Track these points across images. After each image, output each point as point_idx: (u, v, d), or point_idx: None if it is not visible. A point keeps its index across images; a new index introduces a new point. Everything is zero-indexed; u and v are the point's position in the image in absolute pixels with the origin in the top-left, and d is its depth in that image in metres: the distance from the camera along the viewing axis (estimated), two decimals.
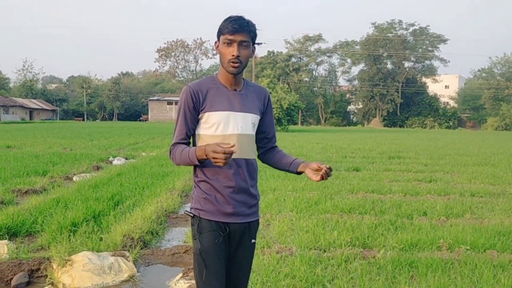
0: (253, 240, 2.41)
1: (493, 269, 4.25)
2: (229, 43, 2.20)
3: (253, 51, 2.30)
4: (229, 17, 2.23)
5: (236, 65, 2.22)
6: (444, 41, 72.76)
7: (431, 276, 4.05)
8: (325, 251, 4.80)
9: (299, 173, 2.40)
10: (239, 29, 2.18)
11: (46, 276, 4.18)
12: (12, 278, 4.10)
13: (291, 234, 5.37)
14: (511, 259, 4.54)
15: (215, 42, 2.31)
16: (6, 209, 6.20)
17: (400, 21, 73.54)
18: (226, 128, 2.25)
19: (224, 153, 1.99)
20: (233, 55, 2.20)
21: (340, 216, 6.24)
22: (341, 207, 6.79)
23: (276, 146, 2.56)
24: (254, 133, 2.38)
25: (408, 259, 4.46)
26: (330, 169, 2.23)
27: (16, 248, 4.66)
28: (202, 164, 2.20)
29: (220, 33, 2.24)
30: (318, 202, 7.14)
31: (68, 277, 4.08)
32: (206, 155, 2.08)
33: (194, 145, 2.35)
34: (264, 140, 2.51)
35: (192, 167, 2.34)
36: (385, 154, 16.75)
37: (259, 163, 2.49)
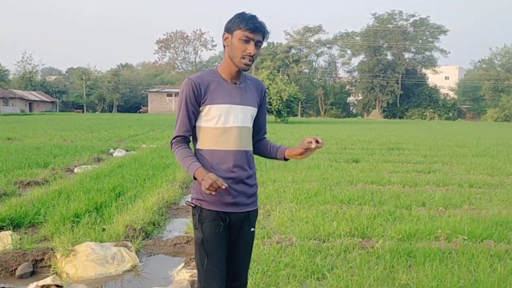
0: (252, 229, 2.47)
1: (490, 259, 4.33)
2: (247, 40, 2.24)
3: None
4: (245, 14, 2.26)
5: (249, 62, 2.27)
6: (444, 32, 72.45)
7: (429, 265, 4.12)
8: (324, 241, 4.87)
9: (286, 159, 2.49)
10: (260, 28, 2.24)
11: (50, 266, 4.25)
12: (16, 268, 4.17)
13: (291, 225, 5.43)
14: (507, 249, 4.61)
15: (224, 34, 2.30)
16: (9, 200, 6.27)
17: (401, 12, 73.22)
18: (226, 120, 2.30)
19: (217, 188, 2.12)
20: (250, 53, 2.24)
21: (340, 207, 6.30)
22: (341, 198, 6.85)
23: (265, 138, 2.60)
24: (251, 125, 2.43)
25: (406, 249, 4.53)
26: (317, 141, 2.28)
27: (20, 239, 4.72)
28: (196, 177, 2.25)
29: (236, 27, 2.24)
30: (318, 193, 7.21)
31: (72, 267, 4.15)
32: (202, 179, 2.16)
33: (195, 137, 2.40)
34: (255, 131, 2.52)
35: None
36: (384, 145, 16.81)
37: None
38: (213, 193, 2.13)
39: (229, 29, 2.28)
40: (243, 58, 2.25)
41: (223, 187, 2.12)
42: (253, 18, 2.25)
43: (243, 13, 2.28)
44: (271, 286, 3.71)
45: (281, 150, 2.50)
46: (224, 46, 2.33)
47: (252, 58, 2.26)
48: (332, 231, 5.13)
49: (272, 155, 2.53)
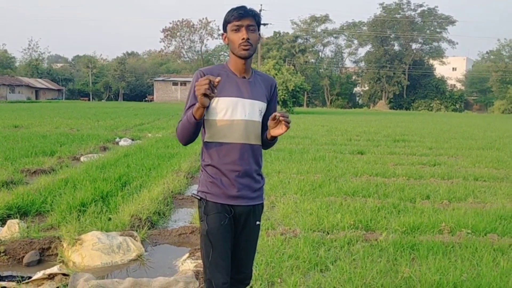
0: (257, 222, 2.50)
1: (493, 253, 4.34)
2: (237, 29, 2.30)
3: (259, 36, 2.39)
4: (232, 8, 2.34)
5: (247, 47, 2.30)
6: (452, 22, 71.90)
7: (432, 258, 4.15)
8: (328, 233, 4.90)
9: (272, 139, 2.40)
10: (244, 14, 2.29)
11: (57, 254, 4.30)
12: (24, 256, 4.23)
13: (295, 216, 5.46)
14: (511, 243, 4.63)
15: (222, 35, 2.40)
16: (16, 189, 6.33)
17: (408, 2, 72.61)
18: (234, 113, 2.32)
19: (209, 81, 2.05)
20: (243, 38, 2.28)
21: (344, 199, 6.32)
22: (345, 190, 6.87)
23: None
24: (260, 120, 2.44)
25: (409, 242, 4.55)
26: (283, 116, 2.26)
27: (27, 227, 4.78)
28: (199, 120, 2.21)
29: (226, 23, 2.34)
30: (322, 185, 7.23)
31: (78, 256, 4.21)
32: (196, 98, 2.14)
33: (204, 130, 2.42)
34: (264, 125, 2.48)
35: (200, 151, 2.42)
36: (390, 137, 16.77)
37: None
38: (211, 93, 2.06)
39: (223, 28, 2.38)
40: (240, 45, 2.30)
41: (217, 80, 2.08)
42: (238, 8, 2.32)
43: (230, 8, 2.35)
44: (275, 277, 3.74)
45: (265, 133, 2.44)
46: (228, 46, 2.40)
47: (248, 42, 2.30)
48: (336, 223, 5.16)
49: (266, 140, 2.45)
